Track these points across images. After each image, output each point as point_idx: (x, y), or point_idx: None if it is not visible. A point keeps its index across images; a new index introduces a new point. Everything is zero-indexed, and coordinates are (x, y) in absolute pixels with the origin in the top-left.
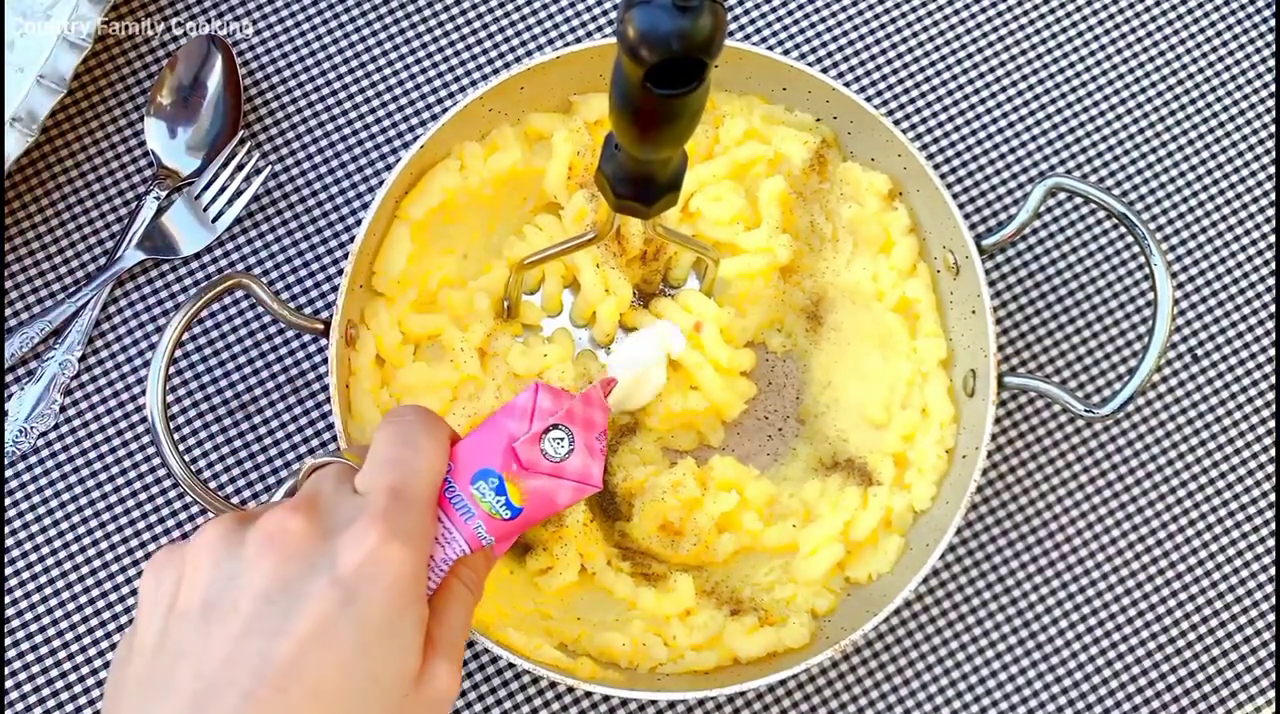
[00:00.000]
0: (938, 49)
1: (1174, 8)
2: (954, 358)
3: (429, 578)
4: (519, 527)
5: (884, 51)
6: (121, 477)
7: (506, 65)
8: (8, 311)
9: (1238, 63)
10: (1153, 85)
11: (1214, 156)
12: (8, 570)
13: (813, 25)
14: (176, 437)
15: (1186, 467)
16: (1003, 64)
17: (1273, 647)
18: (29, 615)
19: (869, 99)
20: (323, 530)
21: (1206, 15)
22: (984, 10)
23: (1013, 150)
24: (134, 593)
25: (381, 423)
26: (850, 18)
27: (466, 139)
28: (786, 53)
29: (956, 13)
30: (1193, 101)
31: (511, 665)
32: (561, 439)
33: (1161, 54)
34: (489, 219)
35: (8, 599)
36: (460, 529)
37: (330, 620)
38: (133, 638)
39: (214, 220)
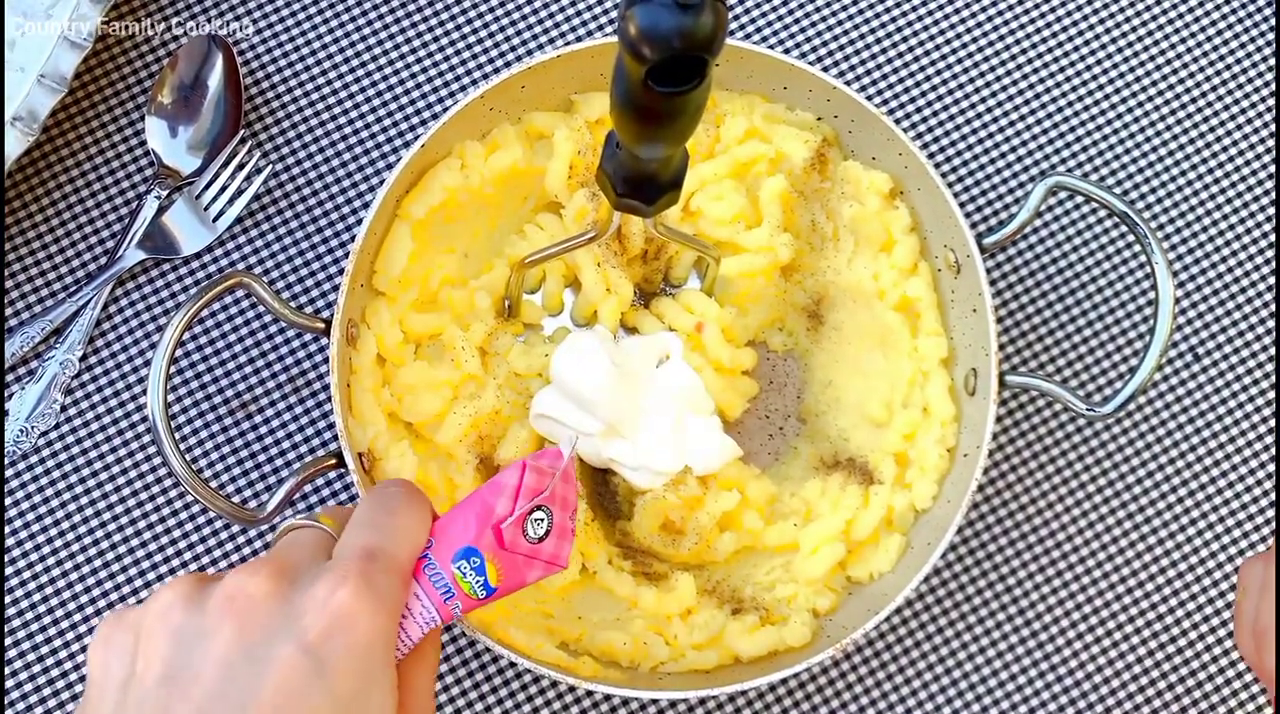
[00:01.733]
0: (938, 48)
1: (1174, 6)
2: (955, 357)
3: (397, 649)
4: (485, 603)
5: (885, 50)
6: (123, 476)
7: (507, 64)
8: (8, 311)
9: (1238, 61)
10: (1153, 84)
11: (1215, 155)
12: (8, 570)
13: (813, 24)
14: (177, 436)
15: (1188, 465)
16: (1003, 63)
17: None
18: (29, 615)
19: (870, 98)
20: (288, 591)
21: (1207, 14)
22: (985, 9)
23: (1013, 149)
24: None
25: (364, 494)
26: (851, 17)
27: (467, 138)
28: (787, 51)
29: (957, 11)
30: (1193, 100)
31: (513, 664)
32: (542, 520)
33: (1162, 52)
34: (490, 218)
35: (8, 599)
36: (437, 606)
37: (298, 691)
38: (84, 711)
39: (215, 220)
